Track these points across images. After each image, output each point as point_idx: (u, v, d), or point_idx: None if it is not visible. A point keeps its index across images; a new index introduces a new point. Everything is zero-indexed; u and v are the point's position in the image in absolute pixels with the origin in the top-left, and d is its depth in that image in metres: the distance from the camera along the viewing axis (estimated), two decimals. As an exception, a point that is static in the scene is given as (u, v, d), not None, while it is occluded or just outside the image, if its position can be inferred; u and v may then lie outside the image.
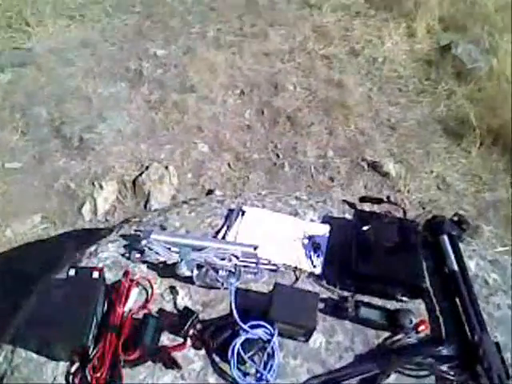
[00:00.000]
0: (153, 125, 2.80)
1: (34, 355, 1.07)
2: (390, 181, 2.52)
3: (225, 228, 1.36)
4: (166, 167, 2.49)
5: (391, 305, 1.16)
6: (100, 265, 1.25)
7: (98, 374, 0.99)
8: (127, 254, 1.27)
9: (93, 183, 2.37)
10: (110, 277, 1.21)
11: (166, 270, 1.23)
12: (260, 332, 1.04)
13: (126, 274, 1.16)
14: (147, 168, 2.47)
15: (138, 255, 1.25)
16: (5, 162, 2.45)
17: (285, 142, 2.75)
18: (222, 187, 2.51)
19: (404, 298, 1.15)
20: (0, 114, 2.72)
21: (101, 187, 2.32)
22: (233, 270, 1.20)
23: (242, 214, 1.38)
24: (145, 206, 2.37)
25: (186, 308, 1.12)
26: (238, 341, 1.02)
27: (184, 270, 1.19)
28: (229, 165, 2.60)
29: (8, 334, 1.15)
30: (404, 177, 2.50)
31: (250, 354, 1.02)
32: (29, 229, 2.25)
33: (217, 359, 1.05)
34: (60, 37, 3.30)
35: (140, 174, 2.44)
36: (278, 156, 2.68)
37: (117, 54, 3.32)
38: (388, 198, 2.30)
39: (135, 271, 1.24)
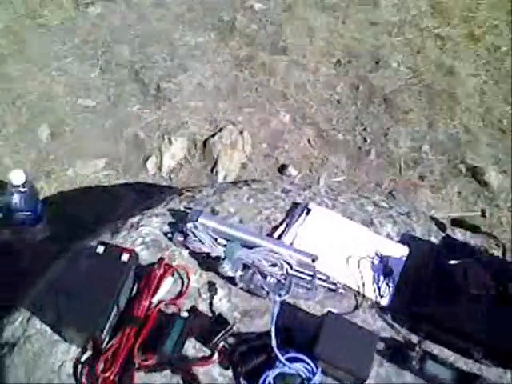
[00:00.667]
0: (236, 83, 2.65)
1: (49, 329, 0.98)
2: (489, 192, 2.22)
3: (283, 226, 1.20)
4: (241, 132, 2.34)
5: (466, 365, 0.95)
6: (139, 240, 1.13)
7: (107, 374, 0.88)
8: (170, 235, 1.15)
9: (162, 136, 2.27)
10: (146, 256, 1.10)
11: (207, 262, 1.10)
12: (299, 367, 0.89)
13: (160, 260, 1.03)
14: (221, 130, 2.33)
15: (180, 238, 1.12)
16: (78, 98, 2.40)
17: (376, 126, 2.50)
18: (297, 164, 2.33)
19: (484, 361, 0.94)
20: (83, 47, 2.67)
21: (170, 142, 2.21)
22: (282, 281, 1.04)
23: (307, 213, 1.21)
24: (211, 171, 2.24)
25: (220, 316, 0.98)
26: (271, 373, 0.87)
27: (227, 269, 1.05)
28: (309, 141, 2.40)
29: (28, 297, 1.07)
30: (507, 191, 2.19)
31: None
32: (91, 172, 2.20)
33: (243, 387, 0.91)
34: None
35: (212, 135, 2.31)
36: (365, 140, 2.44)
37: (211, 2, 3.16)
38: (483, 212, 2.04)
39: (175, 255, 1.11)
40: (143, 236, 1.15)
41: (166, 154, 2.20)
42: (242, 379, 0.92)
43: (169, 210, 1.22)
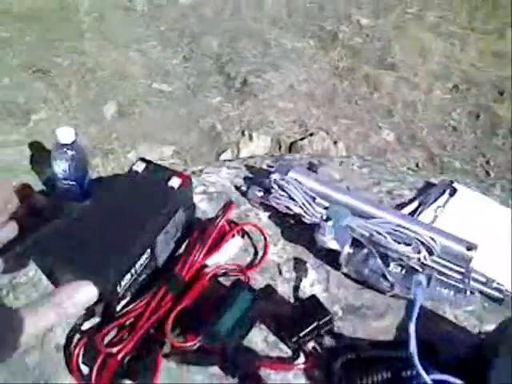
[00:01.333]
0: (333, 93, 2.35)
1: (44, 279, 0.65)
2: None
3: (415, 204, 0.82)
4: (335, 142, 2.01)
5: None
6: (199, 189, 0.80)
7: (114, 350, 0.52)
8: (244, 188, 0.81)
9: (243, 132, 1.98)
10: (207, 208, 0.76)
11: (296, 231, 0.74)
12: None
13: (227, 206, 0.69)
14: (311, 135, 2.01)
15: (259, 193, 0.77)
16: (154, 82, 2.18)
17: (501, 160, 2.10)
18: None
19: None
20: (168, 34, 2.49)
21: (250, 138, 1.92)
22: (419, 270, 0.66)
23: (452, 193, 0.83)
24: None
25: (314, 298, 0.61)
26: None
27: (328, 238, 0.68)
28: (417, 165, 2.03)
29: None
30: None
31: None
32: (155, 159, 1.92)
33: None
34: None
35: (301, 139, 2.00)
36: (487, 174, 2.04)
37: (314, 12, 2.95)
38: None
39: (249, 217, 0.77)
40: (207, 185, 0.82)
41: (244, 150, 1.90)
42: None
43: (246, 165, 0.89)
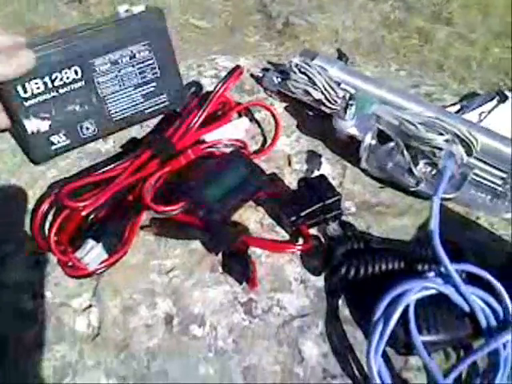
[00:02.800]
0: (380, 43, 2.21)
1: None
2: None
3: (456, 107, 0.72)
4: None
5: None
6: (210, 72, 0.72)
7: (80, 204, 0.45)
8: (259, 74, 0.72)
9: (279, 72, 1.87)
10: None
11: (315, 122, 0.65)
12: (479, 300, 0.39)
13: (234, 71, 0.59)
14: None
15: (276, 79, 0.68)
16: (191, 18, 2.09)
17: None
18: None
19: None
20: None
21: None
22: (453, 159, 0.56)
23: (502, 100, 0.72)
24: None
25: (322, 177, 0.52)
26: (415, 291, 0.39)
27: (348, 124, 0.58)
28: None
29: None
30: None
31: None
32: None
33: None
34: None
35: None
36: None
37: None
38: None
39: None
40: (218, 68, 0.73)
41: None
42: (341, 293, 0.44)
43: (268, 61, 0.80)
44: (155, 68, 0.52)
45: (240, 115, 0.63)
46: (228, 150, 0.57)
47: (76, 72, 0.46)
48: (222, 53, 1.76)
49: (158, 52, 0.51)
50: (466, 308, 0.41)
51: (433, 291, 0.41)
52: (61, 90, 0.46)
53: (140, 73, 0.51)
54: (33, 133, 0.46)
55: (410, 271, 0.44)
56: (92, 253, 0.44)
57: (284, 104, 0.69)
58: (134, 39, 0.49)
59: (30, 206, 0.53)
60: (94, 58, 0.47)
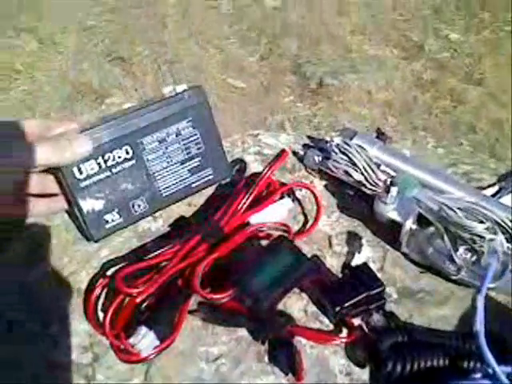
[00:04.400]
0: (413, 103, 2.22)
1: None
2: None
3: (495, 188, 0.73)
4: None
5: None
6: (253, 149, 0.75)
7: (133, 291, 0.47)
8: (301, 152, 0.74)
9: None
10: (259, 169, 0.70)
11: (354, 202, 0.67)
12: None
13: (279, 155, 0.62)
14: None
15: (317, 158, 0.70)
16: (228, 77, 2.16)
17: None
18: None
19: None
20: (249, 33, 2.46)
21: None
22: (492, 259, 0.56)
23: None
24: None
25: (365, 266, 0.53)
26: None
27: (389, 208, 0.60)
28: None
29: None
30: None
31: None
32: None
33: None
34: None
35: (371, 146, 1.90)
36: None
37: (399, 23, 2.84)
38: None
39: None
40: (261, 146, 0.76)
41: (311, 150, 1.82)
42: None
43: (308, 136, 0.83)
44: (199, 143, 0.55)
45: (283, 195, 0.65)
46: (272, 232, 0.59)
47: (127, 151, 0.49)
48: (256, 114, 1.81)
49: (201, 127, 0.54)
50: (515, 414, 0.41)
51: (480, 394, 0.41)
52: (113, 170, 0.49)
53: (186, 148, 0.54)
54: (88, 212, 0.48)
55: (455, 368, 0.44)
56: (145, 340, 0.46)
57: (324, 182, 0.71)
58: (179, 117, 0.53)
59: (83, 285, 0.55)
60: (143, 137, 0.50)
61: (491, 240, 0.57)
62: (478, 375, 0.42)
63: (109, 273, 0.54)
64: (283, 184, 0.66)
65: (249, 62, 2.31)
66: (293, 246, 0.53)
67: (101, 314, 0.51)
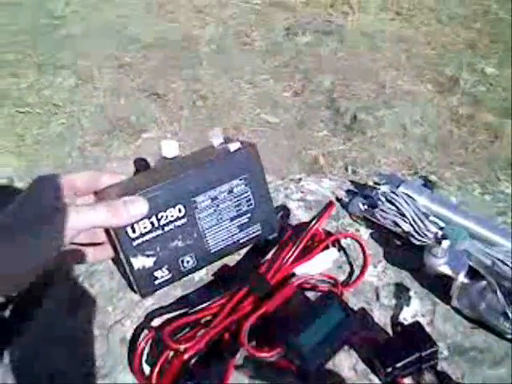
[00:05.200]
0: (449, 138, 2.22)
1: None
2: None
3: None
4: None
5: None
6: (296, 196, 0.74)
7: (181, 347, 0.46)
8: (346, 199, 0.74)
9: (346, 168, 1.91)
10: (303, 216, 0.70)
11: (402, 252, 0.65)
12: None
13: (326, 206, 0.61)
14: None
15: (363, 206, 0.70)
16: (262, 113, 2.19)
17: None
18: None
19: None
20: (282, 69, 2.51)
21: (354, 174, 1.84)
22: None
23: None
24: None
25: (418, 324, 0.52)
26: None
27: (441, 262, 0.59)
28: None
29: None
30: None
31: None
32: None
33: None
34: (377, 25, 3.00)
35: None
36: None
37: (434, 59, 2.85)
38: None
39: (348, 232, 0.69)
40: (304, 191, 0.75)
41: (344, 186, 1.82)
42: None
43: (351, 180, 0.82)
44: (250, 200, 0.55)
45: (328, 245, 0.65)
46: (319, 284, 0.58)
47: (180, 210, 0.49)
48: (290, 148, 1.82)
49: (254, 185, 0.54)
50: None
51: None
52: (166, 228, 0.49)
53: (236, 205, 0.54)
54: (139, 269, 0.49)
55: None
56: (192, 397, 0.45)
57: (370, 230, 0.70)
58: (232, 176, 0.53)
59: (128, 335, 0.55)
60: (197, 196, 0.50)
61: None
62: None
63: (154, 323, 0.54)
64: (329, 233, 0.65)
65: (282, 97, 2.34)
66: (341, 302, 0.52)
67: (145, 367, 0.50)
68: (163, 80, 2.38)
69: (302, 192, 0.75)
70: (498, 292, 0.56)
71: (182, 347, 0.47)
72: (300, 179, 0.80)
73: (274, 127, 2.15)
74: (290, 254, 0.57)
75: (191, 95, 2.28)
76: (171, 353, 0.48)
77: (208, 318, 0.51)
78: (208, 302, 0.52)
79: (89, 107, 2.26)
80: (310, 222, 0.61)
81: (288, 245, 0.58)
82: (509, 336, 0.55)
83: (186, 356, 0.46)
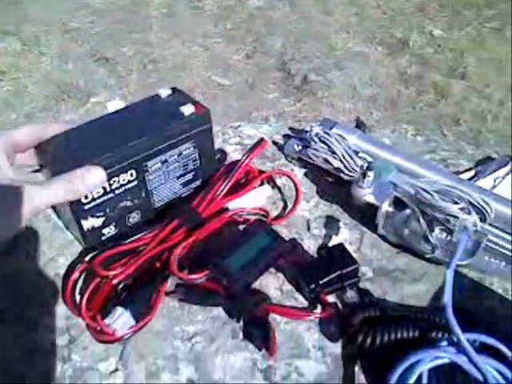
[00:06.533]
0: (397, 97, 2.26)
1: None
2: None
3: (471, 173, 0.74)
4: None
5: None
6: (234, 140, 0.75)
7: (111, 274, 0.48)
8: (281, 142, 0.75)
9: (296, 127, 1.93)
10: (235, 157, 0.71)
11: (333, 188, 0.68)
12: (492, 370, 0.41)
13: (258, 143, 0.63)
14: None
15: (297, 147, 0.72)
16: (213, 75, 2.18)
17: None
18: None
19: None
20: (233, 33, 2.49)
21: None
22: (467, 233, 0.58)
23: (516, 166, 0.74)
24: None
25: (340, 246, 0.54)
26: (428, 361, 0.41)
27: (366, 192, 0.61)
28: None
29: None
30: None
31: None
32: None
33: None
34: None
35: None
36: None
37: (385, 22, 2.88)
38: None
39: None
40: (242, 136, 0.76)
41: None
42: (357, 360, 0.45)
43: (290, 127, 0.83)
44: (196, 160, 0.58)
45: (262, 182, 0.66)
46: (251, 217, 0.60)
47: (132, 174, 0.51)
48: (241, 109, 1.83)
49: (202, 146, 0.57)
50: (480, 377, 0.42)
51: (446, 360, 0.42)
52: (117, 191, 0.51)
53: (184, 165, 0.57)
54: (88, 229, 0.51)
55: (425, 339, 0.45)
56: (120, 319, 0.47)
57: (304, 170, 0.72)
58: (185, 140, 0.55)
59: (62, 271, 0.56)
60: (149, 161, 0.53)
61: (464, 220, 0.58)
62: (444, 343, 0.43)
63: (87, 258, 0.55)
64: (262, 172, 0.67)
65: (234, 61, 2.33)
66: (269, 229, 0.54)
67: (78, 298, 0.51)
68: (112, 44, 2.33)
69: (239, 137, 0.76)
70: (421, 218, 0.60)
71: (111, 273, 0.48)
72: (239, 126, 0.81)
73: (225, 89, 2.14)
74: (221, 189, 0.58)
75: (141, 59, 2.24)
76: (102, 282, 0.49)
77: (140, 248, 0.52)
78: (140, 234, 0.53)
79: (36, 73, 2.20)
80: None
81: (219, 180, 0.59)
82: (428, 256, 0.58)
83: (114, 281, 0.48)
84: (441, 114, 2.20)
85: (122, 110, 0.58)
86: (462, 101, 2.29)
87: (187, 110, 0.56)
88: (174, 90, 0.60)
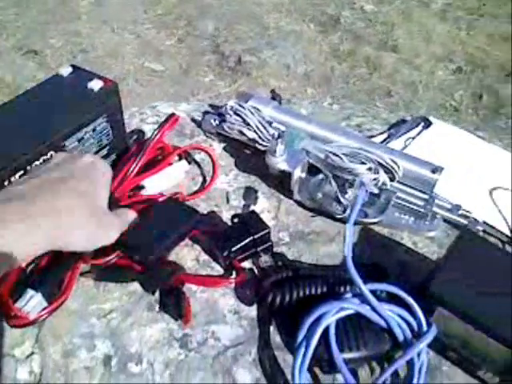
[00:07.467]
0: (330, 74, 2.29)
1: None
2: None
3: (384, 136, 0.77)
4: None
5: None
6: (151, 119, 0.75)
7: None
8: (199, 118, 0.76)
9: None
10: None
11: (251, 160, 0.69)
12: (394, 316, 0.43)
13: (169, 118, 0.63)
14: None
15: (214, 122, 0.72)
16: (146, 61, 2.15)
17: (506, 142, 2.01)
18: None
19: None
20: (164, 18, 2.45)
21: (239, 116, 1.87)
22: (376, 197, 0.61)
23: (426, 126, 0.77)
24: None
25: (253, 213, 0.55)
26: (334, 313, 0.42)
27: (279, 160, 0.62)
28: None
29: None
30: None
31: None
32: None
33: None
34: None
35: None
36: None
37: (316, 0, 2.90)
38: None
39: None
40: (160, 115, 0.76)
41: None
42: (272, 321, 0.47)
43: (210, 104, 0.84)
44: (109, 134, 0.59)
45: (180, 158, 0.67)
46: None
47: (51, 156, 0.52)
48: (177, 94, 1.81)
49: (113, 120, 0.59)
50: (383, 324, 0.44)
51: (351, 311, 0.44)
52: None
53: (98, 141, 0.58)
54: None
55: (332, 294, 0.47)
56: (32, 302, 0.46)
57: (223, 144, 0.73)
58: (96, 115, 0.56)
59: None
60: (66, 140, 0.53)
61: (375, 179, 0.60)
62: (349, 295, 0.45)
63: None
64: (177, 147, 0.67)
65: (166, 46, 2.30)
66: (179, 203, 0.55)
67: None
68: (40, 37, 2.26)
69: (157, 116, 0.76)
70: (332, 181, 0.61)
71: (19, 257, 0.47)
72: (156, 105, 0.80)
73: (159, 75, 2.12)
74: (133, 166, 0.58)
75: (71, 49, 2.18)
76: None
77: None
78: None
79: (-41, 70, 2.11)
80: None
81: (131, 158, 0.59)
82: (339, 216, 0.60)
83: (23, 264, 0.47)
84: (373, 87, 2.25)
85: (24, 94, 0.57)
86: (393, 73, 2.34)
87: (96, 85, 0.56)
88: (74, 67, 0.60)
